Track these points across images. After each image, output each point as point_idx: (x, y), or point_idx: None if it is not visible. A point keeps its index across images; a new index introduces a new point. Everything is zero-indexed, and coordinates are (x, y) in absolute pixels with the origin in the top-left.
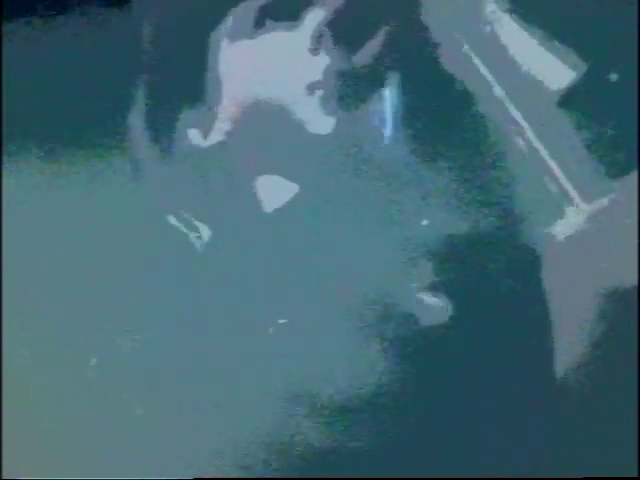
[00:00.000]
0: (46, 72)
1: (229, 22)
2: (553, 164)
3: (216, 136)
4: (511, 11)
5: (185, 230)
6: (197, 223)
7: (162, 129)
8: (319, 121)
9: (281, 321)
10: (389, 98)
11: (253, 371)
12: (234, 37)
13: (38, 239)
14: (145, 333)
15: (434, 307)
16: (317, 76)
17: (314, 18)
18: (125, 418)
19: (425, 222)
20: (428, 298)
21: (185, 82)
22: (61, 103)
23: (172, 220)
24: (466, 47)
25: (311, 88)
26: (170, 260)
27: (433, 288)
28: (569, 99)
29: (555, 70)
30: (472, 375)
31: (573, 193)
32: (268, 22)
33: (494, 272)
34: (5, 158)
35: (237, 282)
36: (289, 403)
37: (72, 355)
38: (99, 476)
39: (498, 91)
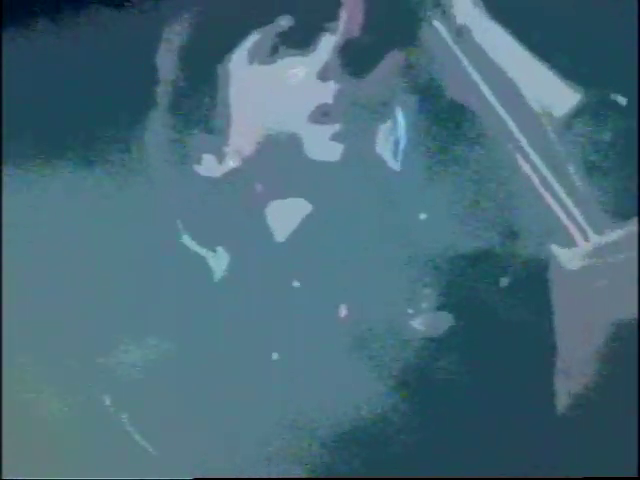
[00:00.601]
0: (61, 84)
1: (245, 47)
2: (561, 191)
3: (229, 162)
4: (516, 36)
5: (201, 253)
6: (213, 245)
7: (176, 155)
8: (327, 148)
9: (275, 356)
10: (398, 124)
11: (257, 396)
12: (248, 63)
13: (51, 256)
14: (155, 346)
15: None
16: (325, 103)
17: (326, 46)
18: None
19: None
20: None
21: (200, 106)
22: (74, 117)
23: (188, 242)
24: (472, 72)
25: (319, 115)
26: (185, 282)
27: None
28: (575, 123)
29: (559, 94)
30: (475, 396)
31: (582, 222)
32: (281, 49)
33: (500, 297)
34: (14, 175)
35: (243, 307)
36: (290, 429)
37: (73, 359)
38: (99, 476)
39: (504, 116)
